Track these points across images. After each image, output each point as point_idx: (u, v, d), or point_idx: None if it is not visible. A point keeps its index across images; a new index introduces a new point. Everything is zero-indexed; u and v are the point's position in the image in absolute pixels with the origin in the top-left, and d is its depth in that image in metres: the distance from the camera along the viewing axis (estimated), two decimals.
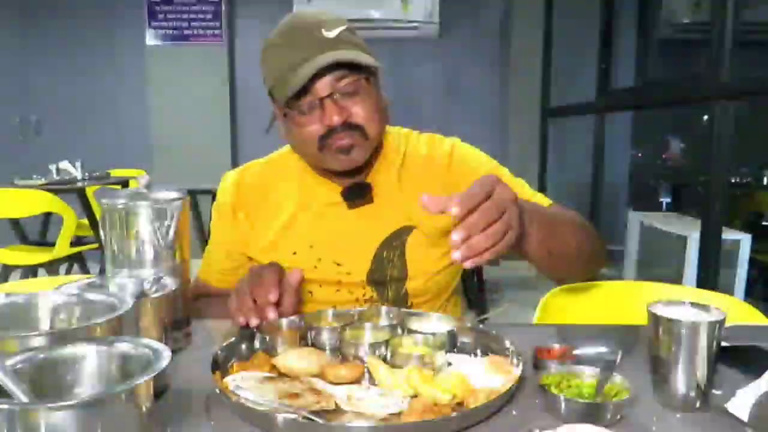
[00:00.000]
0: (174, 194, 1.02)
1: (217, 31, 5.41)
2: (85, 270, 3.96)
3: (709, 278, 2.58)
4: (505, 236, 0.81)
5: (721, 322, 0.78)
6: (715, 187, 2.54)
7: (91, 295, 0.77)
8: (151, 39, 5.41)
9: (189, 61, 5.42)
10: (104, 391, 0.54)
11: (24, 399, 0.55)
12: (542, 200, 1.20)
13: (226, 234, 1.25)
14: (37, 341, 0.62)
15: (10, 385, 0.55)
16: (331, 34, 1.07)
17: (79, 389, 0.62)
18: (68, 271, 4.14)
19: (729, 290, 2.86)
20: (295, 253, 1.19)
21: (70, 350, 0.62)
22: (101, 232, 1.02)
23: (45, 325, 0.75)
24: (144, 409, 0.58)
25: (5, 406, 0.49)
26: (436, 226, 1.17)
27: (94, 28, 5.56)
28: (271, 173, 1.26)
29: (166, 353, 0.61)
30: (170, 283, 0.91)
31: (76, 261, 3.93)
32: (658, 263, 3.45)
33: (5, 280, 3.77)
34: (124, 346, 0.63)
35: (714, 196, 2.56)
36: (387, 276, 1.19)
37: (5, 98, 5.58)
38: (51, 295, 0.77)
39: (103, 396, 0.53)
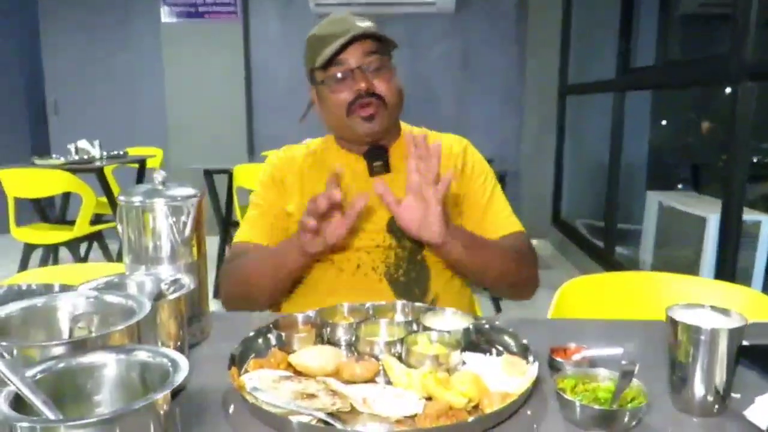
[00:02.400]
0: (190, 191, 1.03)
1: (232, 8, 5.38)
2: (104, 248, 4.02)
3: (729, 261, 2.54)
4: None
5: (742, 328, 0.77)
6: (736, 167, 2.49)
7: (110, 298, 0.78)
8: (166, 16, 5.39)
9: (204, 38, 5.40)
10: (123, 408, 0.54)
11: (43, 408, 0.56)
12: (513, 224, 1.40)
13: (277, 198, 1.43)
14: (57, 350, 0.63)
15: (30, 396, 0.56)
16: (363, 22, 1.34)
17: (98, 397, 0.63)
18: (88, 249, 4.19)
19: (748, 273, 2.82)
20: None
21: (89, 359, 0.63)
22: (119, 228, 1.03)
23: (64, 330, 0.76)
24: (161, 413, 0.59)
25: (26, 424, 0.50)
26: (446, 193, 1.38)
27: (109, 5, 5.55)
28: (305, 151, 1.49)
29: (184, 363, 0.61)
30: (188, 282, 0.91)
31: (96, 239, 3.99)
32: (676, 244, 3.41)
33: (27, 258, 3.84)
34: (142, 355, 0.64)
35: (735, 177, 2.51)
36: None
37: (23, 79, 5.61)
38: (70, 298, 0.77)
39: (123, 412, 0.53)
